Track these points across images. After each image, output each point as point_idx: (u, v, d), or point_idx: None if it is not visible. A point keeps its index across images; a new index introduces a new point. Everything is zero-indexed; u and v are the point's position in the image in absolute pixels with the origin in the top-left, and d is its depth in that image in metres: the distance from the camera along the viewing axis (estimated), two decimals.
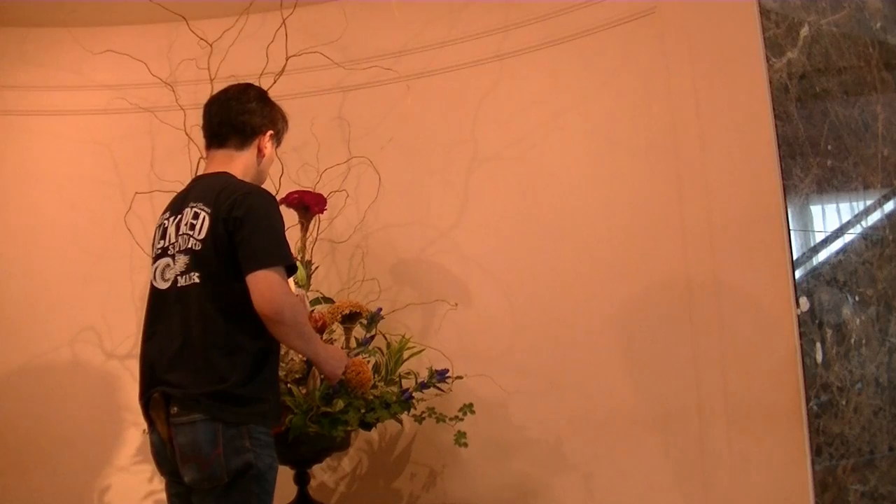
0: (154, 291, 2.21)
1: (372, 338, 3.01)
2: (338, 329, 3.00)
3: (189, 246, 2.14)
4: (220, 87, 3.21)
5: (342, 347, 2.97)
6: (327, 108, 3.47)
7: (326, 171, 3.32)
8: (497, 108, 3.30)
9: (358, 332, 3.03)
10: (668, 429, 2.89)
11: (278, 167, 3.22)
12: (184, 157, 3.20)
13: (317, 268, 3.21)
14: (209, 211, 2.14)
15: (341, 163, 3.37)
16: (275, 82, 3.20)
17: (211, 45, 3.22)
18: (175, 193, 2.34)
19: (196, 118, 3.21)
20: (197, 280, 2.12)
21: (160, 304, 2.18)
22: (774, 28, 2.71)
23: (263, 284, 2.06)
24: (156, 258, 2.23)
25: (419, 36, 3.40)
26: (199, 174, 2.35)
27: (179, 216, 2.20)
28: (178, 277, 2.15)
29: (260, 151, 2.34)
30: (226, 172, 2.26)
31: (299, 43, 3.21)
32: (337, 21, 3.40)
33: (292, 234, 3.17)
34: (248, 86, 2.42)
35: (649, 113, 2.98)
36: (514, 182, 3.26)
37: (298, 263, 3.04)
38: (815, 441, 2.57)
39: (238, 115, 2.30)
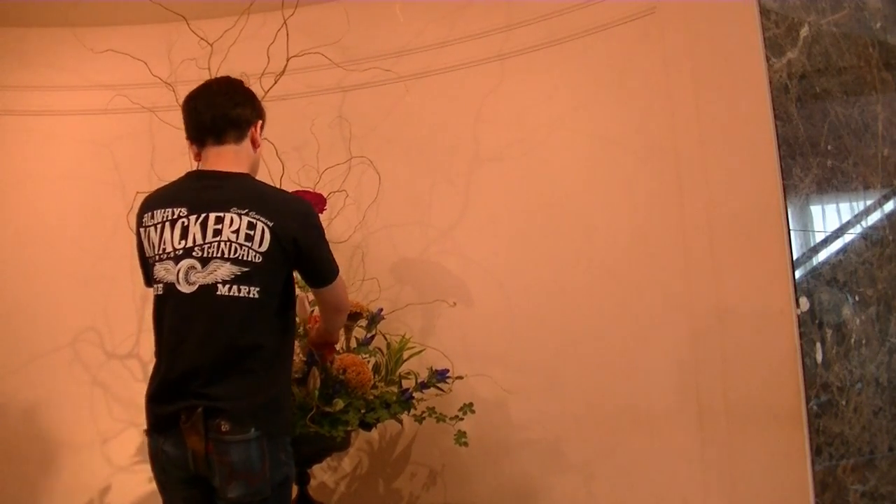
0: (174, 295, 2.09)
1: (372, 338, 3.02)
2: None
3: (244, 256, 2.08)
4: None
5: (342, 348, 2.98)
6: (327, 108, 3.47)
7: (326, 170, 3.32)
8: (498, 109, 3.30)
9: (358, 332, 3.03)
10: (669, 429, 2.89)
11: (278, 167, 3.22)
12: (184, 157, 3.17)
13: None
14: (269, 224, 2.10)
15: (341, 163, 3.37)
16: (275, 82, 3.20)
17: (211, 45, 3.22)
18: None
19: None
20: (256, 295, 2.08)
21: (185, 310, 2.08)
22: (774, 28, 2.71)
23: (339, 292, 2.35)
24: (174, 259, 2.10)
25: (420, 36, 3.40)
26: (214, 170, 2.22)
27: (206, 216, 2.10)
28: (219, 285, 2.06)
29: (254, 142, 2.29)
30: (248, 175, 2.24)
31: (300, 43, 3.21)
32: (338, 21, 3.40)
33: None
34: (230, 79, 2.37)
35: (649, 113, 2.98)
36: (514, 182, 3.26)
37: None
38: (815, 441, 2.57)
39: (230, 108, 2.25)
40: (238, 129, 2.25)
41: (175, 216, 2.13)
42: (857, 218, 2.92)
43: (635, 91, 3.03)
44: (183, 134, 3.18)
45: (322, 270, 2.26)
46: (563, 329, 3.13)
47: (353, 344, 2.99)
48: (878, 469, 2.78)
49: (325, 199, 3.14)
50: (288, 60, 3.18)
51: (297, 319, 2.89)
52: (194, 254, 2.08)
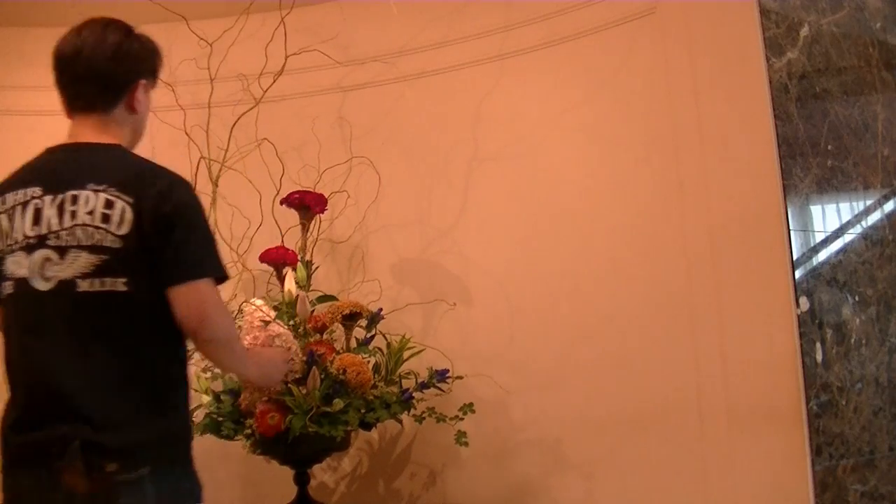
0: (28, 293, 1.71)
1: (372, 338, 3.01)
2: (338, 329, 3.00)
3: (102, 241, 1.70)
4: (220, 87, 3.25)
5: (342, 348, 2.97)
6: (327, 108, 3.47)
7: (327, 171, 3.32)
8: (497, 108, 3.30)
9: (358, 332, 3.03)
10: (668, 429, 2.89)
11: (278, 167, 3.23)
12: (184, 157, 3.20)
13: (317, 268, 3.21)
14: (130, 200, 1.71)
15: (341, 163, 3.37)
16: (274, 82, 3.21)
17: (211, 45, 3.22)
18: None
19: (196, 118, 3.24)
20: (123, 287, 1.69)
21: (43, 313, 1.71)
22: (774, 28, 2.71)
23: (195, 298, 1.72)
24: (25, 248, 1.73)
25: (419, 36, 3.40)
26: (75, 141, 1.85)
27: (62, 197, 1.74)
28: (79, 280, 1.69)
29: (132, 109, 1.88)
30: (118, 145, 1.84)
31: (300, 43, 3.21)
32: (336, 21, 3.40)
33: (293, 235, 3.19)
34: (106, 26, 1.90)
35: (649, 113, 2.98)
36: (514, 182, 3.26)
37: (299, 264, 3.05)
38: (815, 441, 2.57)
39: (100, 65, 1.83)
40: (110, 91, 1.85)
41: (27, 198, 1.77)
42: (857, 218, 2.92)
43: (635, 91, 3.02)
44: (182, 134, 3.22)
45: (177, 260, 1.72)
46: (564, 329, 3.13)
47: (353, 344, 2.99)
48: (878, 469, 2.78)
49: (325, 200, 3.14)
50: (286, 59, 3.18)
51: (297, 319, 2.90)
52: (49, 242, 1.71)
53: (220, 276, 1.80)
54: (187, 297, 1.72)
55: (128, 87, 1.86)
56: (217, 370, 3.00)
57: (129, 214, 1.71)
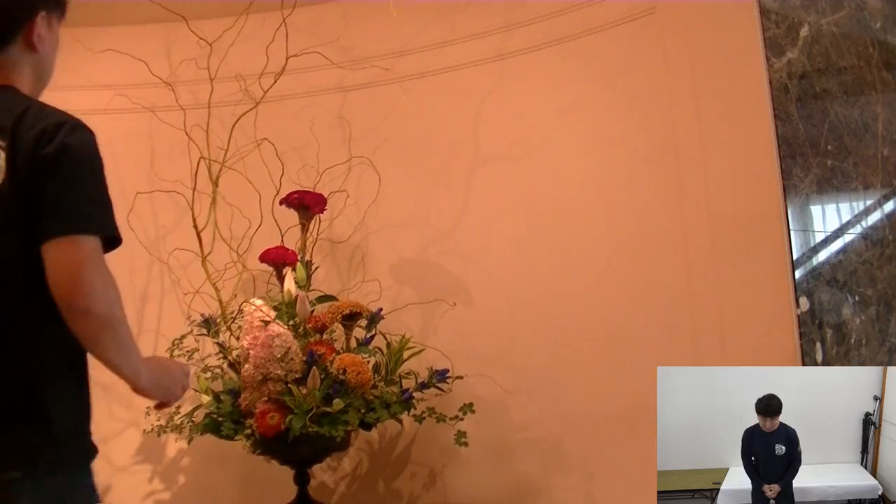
0: None
1: (372, 338, 3.02)
2: (338, 329, 3.01)
3: None
4: (220, 87, 3.26)
5: (342, 348, 2.97)
6: (327, 108, 3.47)
7: (326, 171, 3.32)
8: (498, 109, 3.30)
9: (358, 332, 3.03)
10: None
11: (278, 167, 3.22)
12: (184, 157, 3.20)
13: (317, 268, 3.21)
14: (3, 143, 1.49)
15: (341, 163, 3.37)
16: (275, 82, 3.20)
17: (211, 45, 3.22)
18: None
19: (196, 118, 3.24)
20: None
21: None
22: (774, 28, 2.71)
23: (69, 257, 1.44)
24: None
25: (420, 36, 3.40)
26: None
27: None
28: None
29: (31, 47, 1.67)
30: (10, 87, 1.62)
31: (300, 43, 3.21)
32: (337, 21, 3.40)
33: (292, 235, 3.20)
34: None
35: (649, 113, 2.98)
36: (514, 182, 3.26)
37: (299, 264, 3.05)
38: None
39: None
40: (0, 28, 1.63)
41: None
42: (857, 218, 2.92)
43: (635, 91, 3.02)
44: (182, 134, 3.22)
45: (52, 211, 1.46)
46: (564, 329, 3.13)
47: (353, 344, 2.99)
48: None
49: (325, 200, 3.14)
50: (287, 60, 3.18)
51: (297, 319, 2.90)
52: None
53: (109, 237, 1.54)
54: (59, 254, 1.44)
55: (23, 22, 1.65)
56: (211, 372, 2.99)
57: (1, 161, 1.48)
